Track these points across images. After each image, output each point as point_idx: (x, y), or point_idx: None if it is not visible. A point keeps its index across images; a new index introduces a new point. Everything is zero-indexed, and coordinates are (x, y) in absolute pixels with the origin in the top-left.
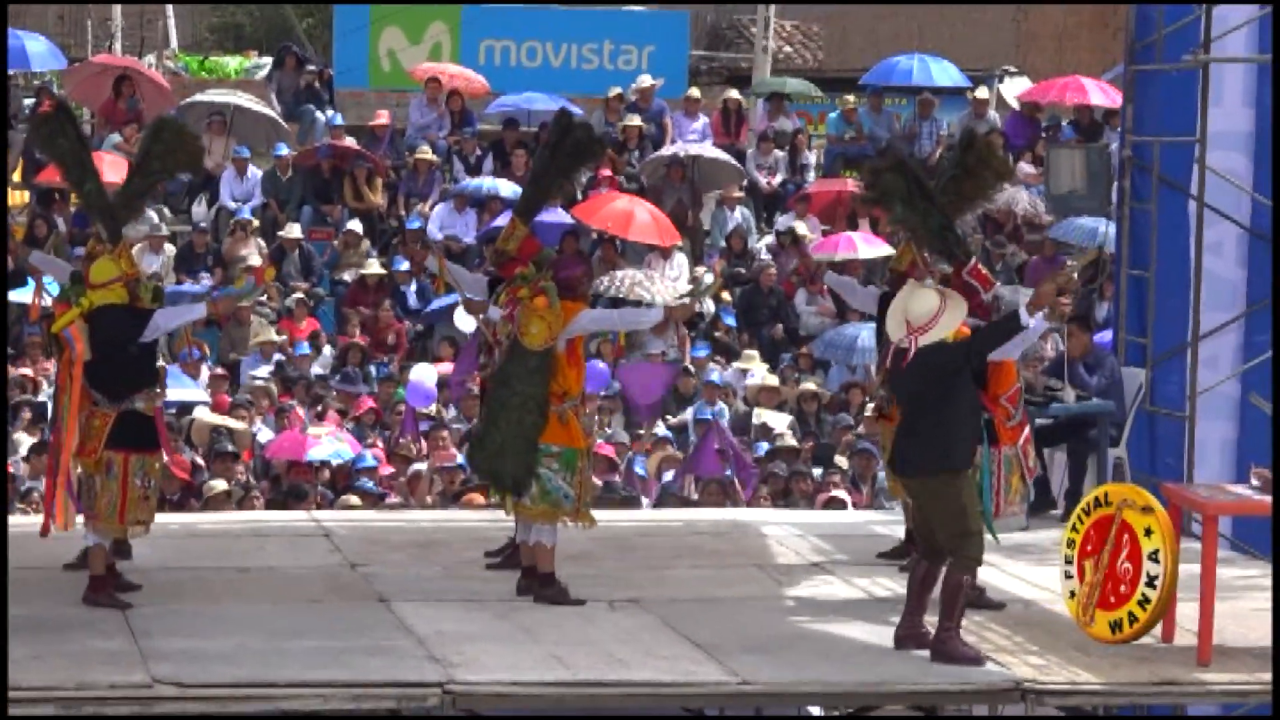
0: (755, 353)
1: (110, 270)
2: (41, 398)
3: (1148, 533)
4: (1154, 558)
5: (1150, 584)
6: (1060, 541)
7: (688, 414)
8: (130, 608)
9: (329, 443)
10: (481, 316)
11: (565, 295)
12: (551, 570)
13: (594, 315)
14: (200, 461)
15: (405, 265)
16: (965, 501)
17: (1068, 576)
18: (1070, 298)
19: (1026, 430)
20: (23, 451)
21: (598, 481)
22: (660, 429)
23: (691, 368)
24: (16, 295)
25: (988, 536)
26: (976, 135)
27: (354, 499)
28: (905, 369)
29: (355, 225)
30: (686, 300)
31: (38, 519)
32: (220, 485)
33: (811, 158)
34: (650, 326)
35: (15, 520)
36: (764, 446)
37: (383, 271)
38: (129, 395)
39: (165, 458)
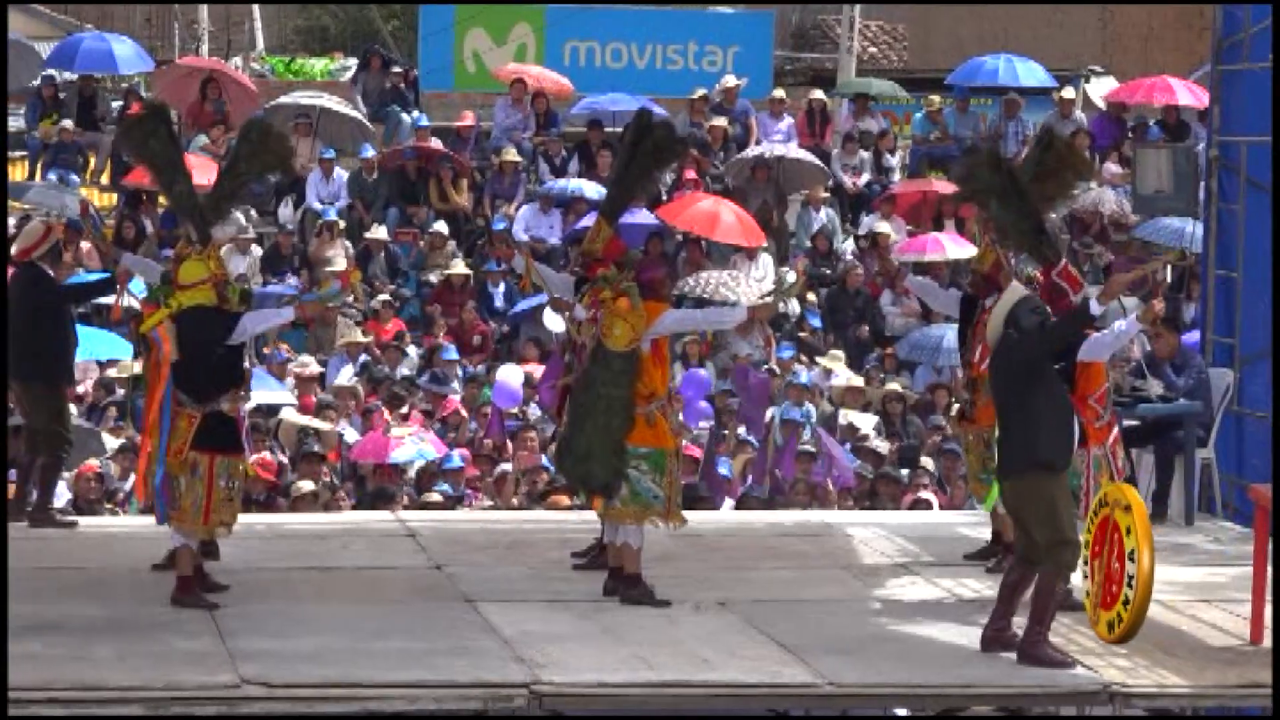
0: (840, 353)
1: (199, 271)
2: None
3: (1128, 531)
4: (1132, 557)
5: (1129, 584)
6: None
7: (773, 414)
8: (217, 608)
9: (411, 444)
10: (568, 315)
11: (648, 296)
12: (638, 571)
13: (677, 316)
14: (285, 461)
15: (499, 265)
16: (1059, 507)
17: (1085, 577)
18: (1162, 300)
19: (1115, 431)
20: (110, 451)
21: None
22: (743, 430)
23: (777, 369)
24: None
25: None
26: (1056, 135)
27: (435, 496)
28: (989, 369)
29: (441, 226)
30: (769, 300)
31: (126, 519)
32: (307, 486)
33: (896, 159)
34: (733, 326)
35: (104, 520)
36: (848, 447)
37: (468, 271)
38: (215, 396)
39: (249, 459)
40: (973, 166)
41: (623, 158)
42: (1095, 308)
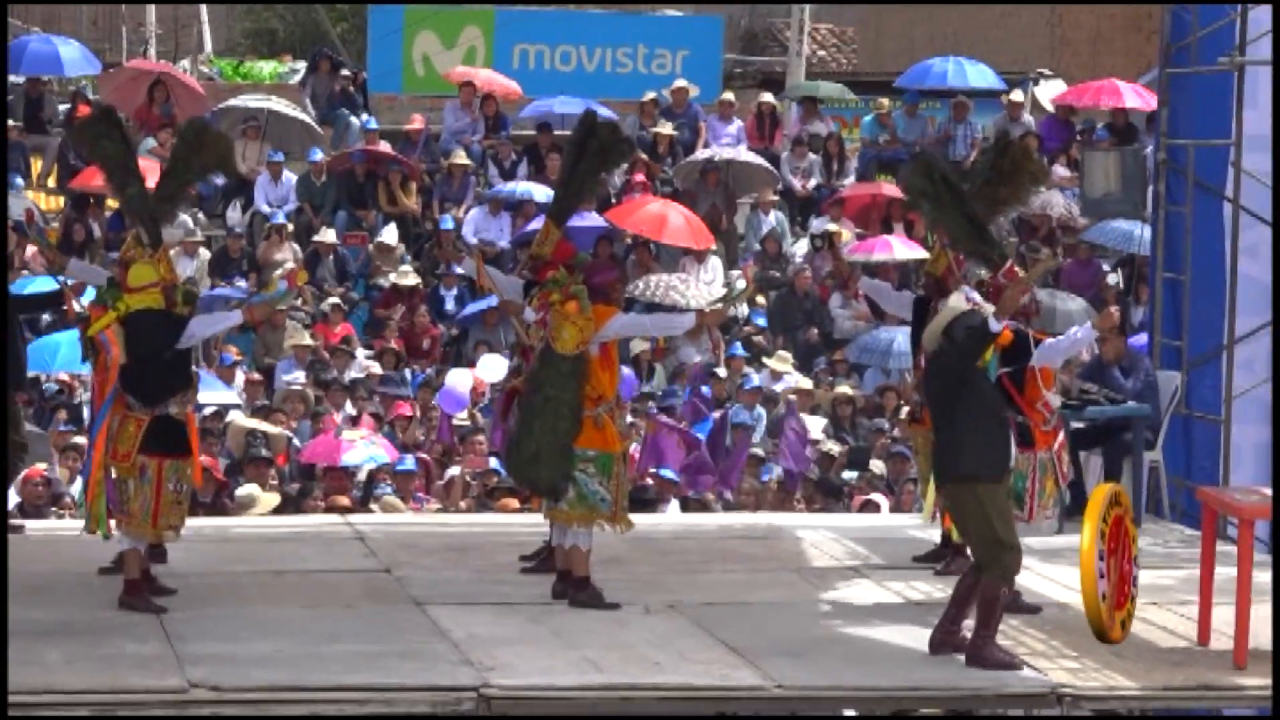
0: (788, 354)
1: (148, 275)
2: (76, 401)
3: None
4: (1138, 561)
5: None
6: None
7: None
8: (165, 612)
9: (363, 447)
10: (517, 319)
11: (597, 300)
12: (587, 574)
13: (626, 320)
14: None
15: (459, 270)
16: (989, 512)
17: (1101, 576)
18: (1118, 308)
19: (1061, 435)
20: (58, 455)
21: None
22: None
23: (722, 372)
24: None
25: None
26: (1011, 139)
27: (393, 500)
28: (924, 378)
29: (390, 233)
30: (719, 306)
31: (73, 523)
32: (271, 499)
33: (848, 162)
34: (683, 332)
35: (50, 524)
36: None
37: (415, 281)
38: (163, 400)
39: (198, 462)
40: (910, 174)
41: (568, 160)
42: (994, 325)
